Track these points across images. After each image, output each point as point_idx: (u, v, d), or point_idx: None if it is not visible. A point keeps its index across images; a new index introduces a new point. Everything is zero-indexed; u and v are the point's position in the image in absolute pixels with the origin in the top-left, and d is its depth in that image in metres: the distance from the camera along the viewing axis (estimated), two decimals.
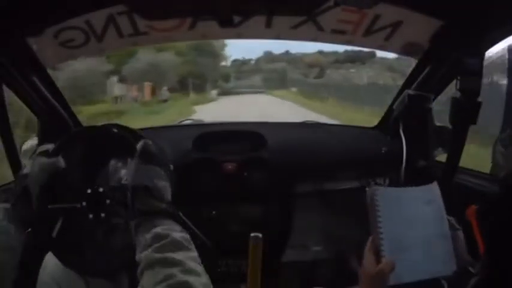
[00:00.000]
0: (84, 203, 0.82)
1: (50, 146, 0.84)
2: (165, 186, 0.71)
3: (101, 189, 0.83)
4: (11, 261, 0.69)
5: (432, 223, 0.64)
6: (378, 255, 0.61)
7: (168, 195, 0.71)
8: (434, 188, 0.66)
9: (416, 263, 0.61)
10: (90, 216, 0.82)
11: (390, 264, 0.59)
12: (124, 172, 0.82)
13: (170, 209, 0.67)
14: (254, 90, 16.26)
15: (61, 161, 0.81)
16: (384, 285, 0.59)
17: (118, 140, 0.90)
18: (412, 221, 0.63)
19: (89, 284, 0.86)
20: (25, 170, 0.78)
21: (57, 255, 0.81)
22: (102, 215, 0.82)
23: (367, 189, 0.65)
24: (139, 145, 0.75)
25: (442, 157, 1.21)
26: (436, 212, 0.65)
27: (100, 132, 0.95)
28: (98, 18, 1.00)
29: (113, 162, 1.05)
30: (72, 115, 1.26)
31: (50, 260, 0.82)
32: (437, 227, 0.64)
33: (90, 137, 0.96)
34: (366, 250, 0.62)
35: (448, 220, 0.65)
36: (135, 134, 0.98)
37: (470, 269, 0.62)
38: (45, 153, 0.80)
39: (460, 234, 0.65)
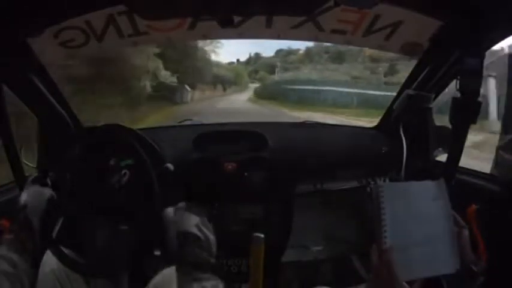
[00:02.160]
0: (84, 203, 0.82)
1: (37, 174, 0.85)
2: (214, 240, 0.76)
3: (101, 190, 0.83)
4: None
5: (437, 220, 0.63)
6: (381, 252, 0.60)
7: (215, 248, 0.75)
8: (441, 184, 0.65)
9: (419, 261, 0.61)
10: (91, 216, 0.82)
11: (390, 250, 0.59)
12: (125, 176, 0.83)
13: (217, 266, 0.72)
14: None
15: (53, 191, 0.82)
16: (395, 276, 0.58)
17: (119, 140, 0.90)
18: (418, 217, 0.62)
19: (89, 283, 0.87)
20: (23, 201, 0.79)
21: (57, 255, 0.81)
22: (103, 215, 0.82)
23: (372, 184, 0.64)
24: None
25: (442, 157, 1.22)
26: (442, 209, 0.64)
27: (100, 132, 0.95)
28: (98, 18, 1.00)
29: (112, 162, 1.05)
30: (72, 115, 1.26)
31: (51, 258, 0.82)
32: (443, 224, 0.63)
33: (90, 137, 0.96)
34: (372, 252, 0.62)
35: (454, 217, 0.65)
36: (136, 135, 0.98)
37: (473, 267, 0.62)
38: (38, 180, 0.81)
39: (465, 231, 0.64)
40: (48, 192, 0.81)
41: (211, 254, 0.73)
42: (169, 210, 0.78)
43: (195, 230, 0.73)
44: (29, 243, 0.74)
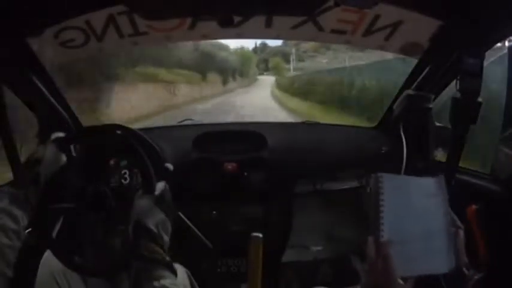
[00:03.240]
0: (84, 203, 0.82)
1: (62, 134, 0.84)
2: (167, 241, 0.73)
3: (101, 189, 0.83)
4: (15, 245, 0.68)
5: (435, 217, 0.62)
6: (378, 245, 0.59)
7: (167, 250, 0.73)
8: (440, 181, 0.64)
9: (415, 258, 0.60)
10: (90, 216, 0.82)
11: (387, 243, 0.58)
12: (123, 172, 0.83)
13: (171, 263, 0.70)
14: None
15: (72, 152, 0.81)
16: (392, 270, 0.57)
17: (119, 140, 0.90)
18: (416, 212, 0.61)
19: (87, 283, 0.87)
20: (37, 155, 0.77)
21: (57, 255, 0.81)
22: (102, 215, 0.82)
23: (372, 175, 0.63)
24: (159, 188, 0.78)
25: (442, 157, 1.21)
26: (441, 206, 0.63)
27: (101, 132, 0.95)
28: (98, 18, 1.00)
29: (112, 162, 1.05)
30: (72, 115, 1.26)
31: (49, 258, 0.82)
32: (440, 222, 0.62)
33: (91, 137, 0.96)
34: (368, 245, 0.60)
35: (451, 217, 0.64)
36: (136, 134, 0.98)
37: (465, 270, 0.61)
38: (58, 141, 0.80)
39: (461, 232, 0.63)
40: (65, 159, 0.80)
41: (165, 252, 0.71)
42: (143, 201, 0.75)
43: (153, 227, 0.71)
44: (33, 199, 0.72)
